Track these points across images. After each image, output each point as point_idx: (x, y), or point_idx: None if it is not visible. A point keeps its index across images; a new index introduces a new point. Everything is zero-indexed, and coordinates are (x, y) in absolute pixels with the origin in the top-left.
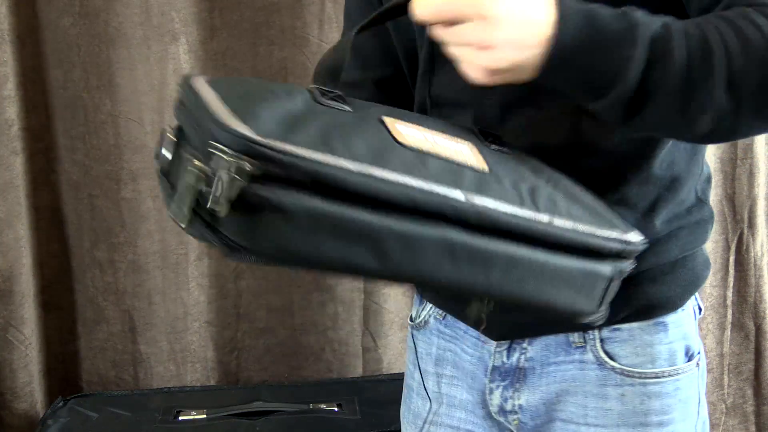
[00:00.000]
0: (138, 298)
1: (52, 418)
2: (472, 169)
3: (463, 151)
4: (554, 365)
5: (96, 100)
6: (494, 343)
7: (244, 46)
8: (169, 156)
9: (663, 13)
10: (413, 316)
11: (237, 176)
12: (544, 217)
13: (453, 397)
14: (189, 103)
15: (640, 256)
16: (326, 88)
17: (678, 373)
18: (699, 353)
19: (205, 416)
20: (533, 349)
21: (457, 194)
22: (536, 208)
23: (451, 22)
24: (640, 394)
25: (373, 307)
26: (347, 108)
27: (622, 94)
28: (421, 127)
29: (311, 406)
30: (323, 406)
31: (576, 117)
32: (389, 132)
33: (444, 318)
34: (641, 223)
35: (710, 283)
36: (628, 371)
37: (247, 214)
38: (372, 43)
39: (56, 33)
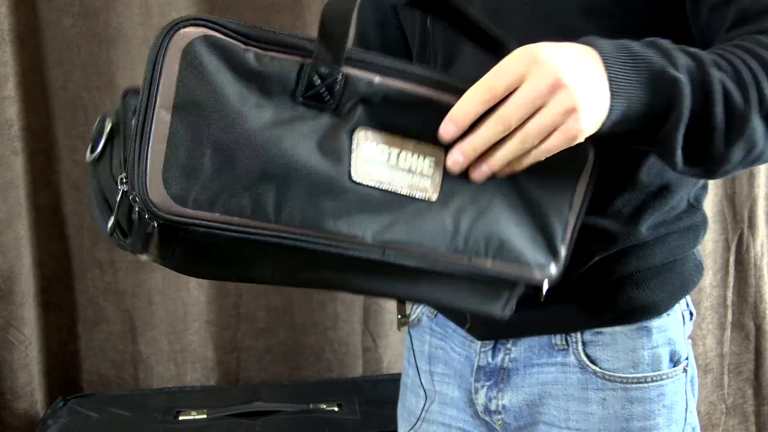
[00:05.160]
0: (138, 298)
1: (52, 418)
2: (414, 199)
3: (422, 171)
4: (537, 367)
5: (96, 100)
6: (480, 342)
7: None
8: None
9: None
10: (409, 313)
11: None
12: (464, 258)
13: (445, 395)
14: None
15: (624, 260)
16: (327, 64)
17: (662, 379)
18: (686, 359)
19: (205, 416)
20: (517, 350)
21: (367, 237)
22: (462, 247)
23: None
24: (622, 399)
25: (373, 307)
26: (329, 102)
27: (677, 121)
28: (395, 141)
29: (311, 406)
30: (323, 406)
31: None
32: (350, 158)
33: (435, 316)
34: (625, 229)
35: (710, 283)
36: (609, 375)
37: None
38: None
39: (56, 33)
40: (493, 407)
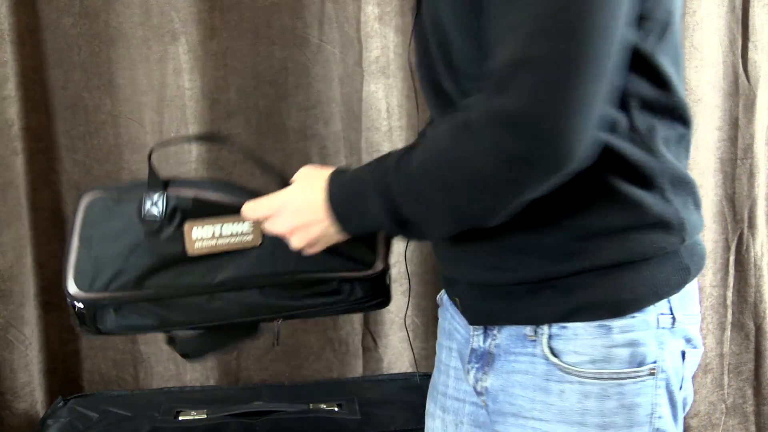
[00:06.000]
0: None
1: (52, 418)
2: (244, 250)
3: (244, 231)
4: (513, 355)
5: (96, 100)
6: (472, 326)
7: (244, 46)
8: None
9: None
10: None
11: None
12: (289, 273)
13: (460, 370)
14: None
15: (573, 257)
16: (153, 194)
17: (621, 378)
18: (655, 363)
19: (205, 416)
20: (501, 336)
21: (215, 279)
22: (284, 265)
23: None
24: (577, 393)
25: None
26: (159, 217)
27: (392, 231)
28: (215, 221)
29: (311, 406)
30: (323, 406)
31: None
32: (183, 242)
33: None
34: (568, 222)
35: (710, 283)
36: (567, 368)
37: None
38: None
39: (56, 33)
40: (478, 388)
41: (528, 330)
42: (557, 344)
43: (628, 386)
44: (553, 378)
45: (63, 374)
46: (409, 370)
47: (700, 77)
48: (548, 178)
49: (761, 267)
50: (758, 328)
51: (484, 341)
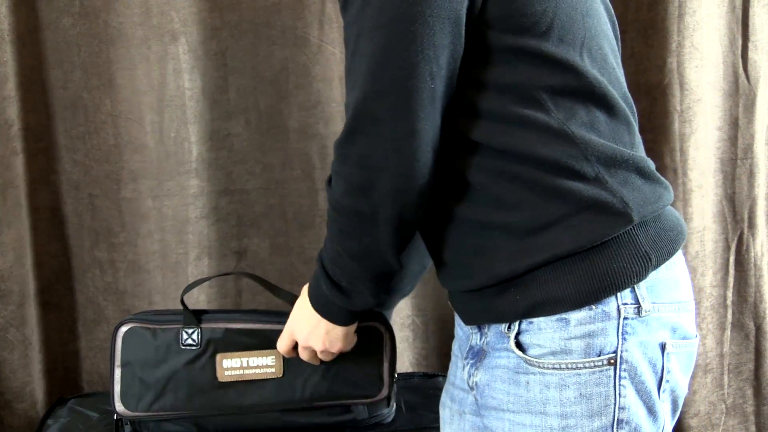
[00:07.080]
0: (138, 298)
1: (52, 418)
2: (267, 379)
3: (267, 363)
4: (497, 351)
5: (96, 100)
6: (468, 325)
7: (244, 46)
8: None
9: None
10: None
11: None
12: (303, 401)
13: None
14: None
15: (522, 256)
16: (189, 327)
17: (578, 368)
18: (614, 353)
19: None
20: (490, 334)
21: (238, 405)
22: (303, 396)
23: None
24: (539, 383)
25: None
26: (195, 348)
27: (342, 302)
28: (243, 354)
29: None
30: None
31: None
32: (215, 370)
33: None
34: (497, 217)
35: (710, 283)
36: (530, 360)
37: None
38: None
39: (56, 33)
40: (470, 383)
41: (503, 327)
42: (524, 339)
43: (586, 376)
44: (521, 371)
45: (63, 374)
46: (409, 370)
47: (700, 77)
48: (387, 198)
49: (761, 267)
50: (758, 328)
51: (480, 339)
